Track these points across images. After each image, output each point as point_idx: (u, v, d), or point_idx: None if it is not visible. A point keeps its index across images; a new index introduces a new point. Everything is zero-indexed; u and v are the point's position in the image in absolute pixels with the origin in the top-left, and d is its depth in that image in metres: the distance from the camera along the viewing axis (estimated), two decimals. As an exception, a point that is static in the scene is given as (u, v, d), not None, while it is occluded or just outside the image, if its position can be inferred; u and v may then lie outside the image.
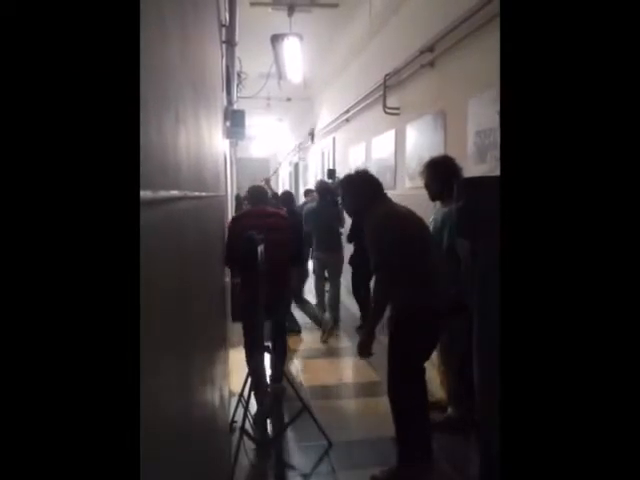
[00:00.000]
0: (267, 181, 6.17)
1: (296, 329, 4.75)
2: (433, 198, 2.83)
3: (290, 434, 2.71)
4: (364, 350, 2.30)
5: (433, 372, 2.85)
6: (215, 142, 2.50)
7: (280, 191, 5.75)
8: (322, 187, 5.11)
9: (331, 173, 5.71)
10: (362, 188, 2.40)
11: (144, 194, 0.56)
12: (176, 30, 0.95)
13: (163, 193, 0.69)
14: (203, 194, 1.47)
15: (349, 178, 2.53)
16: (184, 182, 0.98)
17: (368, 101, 5.61)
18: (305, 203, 5.85)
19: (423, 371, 2.36)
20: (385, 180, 5.12)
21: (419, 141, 4.23)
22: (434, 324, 2.28)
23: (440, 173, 2.72)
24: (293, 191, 9.96)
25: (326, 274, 5.15)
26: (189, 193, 1.06)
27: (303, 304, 4.85)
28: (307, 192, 6.60)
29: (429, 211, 2.88)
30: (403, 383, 2.30)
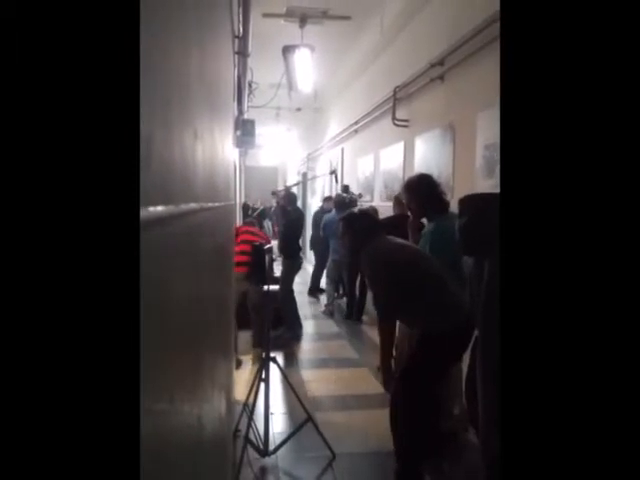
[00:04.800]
0: (287, 189, 6.27)
1: (298, 330, 4.94)
2: (418, 217, 2.87)
3: (294, 445, 2.70)
4: (388, 385, 2.45)
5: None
6: (226, 152, 2.53)
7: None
8: (339, 200, 5.77)
9: (345, 188, 6.28)
10: (359, 228, 2.54)
11: (167, 209, 0.57)
12: (196, 47, 0.98)
13: (183, 207, 0.71)
14: (216, 204, 1.49)
15: (347, 218, 2.68)
16: (201, 194, 0.99)
17: (377, 113, 5.65)
18: (322, 209, 6.68)
19: (438, 387, 2.40)
20: (393, 191, 5.17)
21: (428, 154, 4.25)
22: (459, 340, 2.30)
23: (417, 192, 2.77)
24: (300, 199, 10.09)
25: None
26: (204, 205, 1.08)
27: (288, 297, 5.00)
28: (327, 199, 6.93)
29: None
30: (415, 399, 2.32)
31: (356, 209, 4.98)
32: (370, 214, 2.74)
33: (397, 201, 4.48)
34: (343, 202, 5.59)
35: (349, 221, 2.61)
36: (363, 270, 2.48)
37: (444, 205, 2.72)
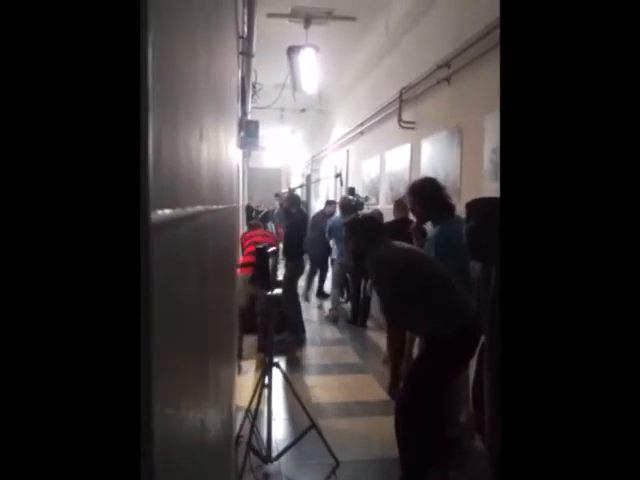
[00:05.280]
0: (291, 191, 6.26)
1: (301, 335, 4.89)
2: (422, 221, 2.84)
3: (297, 451, 2.67)
4: (394, 393, 2.46)
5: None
6: (230, 153, 2.51)
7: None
8: (344, 203, 5.74)
9: (351, 191, 6.25)
10: (362, 232, 2.52)
11: (174, 212, 0.55)
12: (203, 47, 0.95)
13: (190, 209, 0.69)
14: (221, 207, 1.46)
15: (351, 222, 2.67)
16: (206, 197, 0.97)
17: (383, 114, 5.63)
18: (324, 213, 6.58)
19: (444, 393, 2.37)
20: (399, 193, 5.14)
21: (434, 156, 4.21)
22: (465, 345, 2.27)
23: (422, 196, 2.74)
24: (304, 201, 10.07)
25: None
26: (209, 207, 1.06)
27: (292, 300, 4.94)
28: (330, 203, 6.86)
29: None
30: (420, 407, 2.29)
31: (360, 213, 4.97)
32: (374, 218, 2.72)
33: (398, 205, 4.45)
34: (349, 205, 5.56)
35: (353, 226, 2.60)
36: (369, 275, 2.46)
37: (449, 209, 2.69)
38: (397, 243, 2.50)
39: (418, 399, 2.28)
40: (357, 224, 2.61)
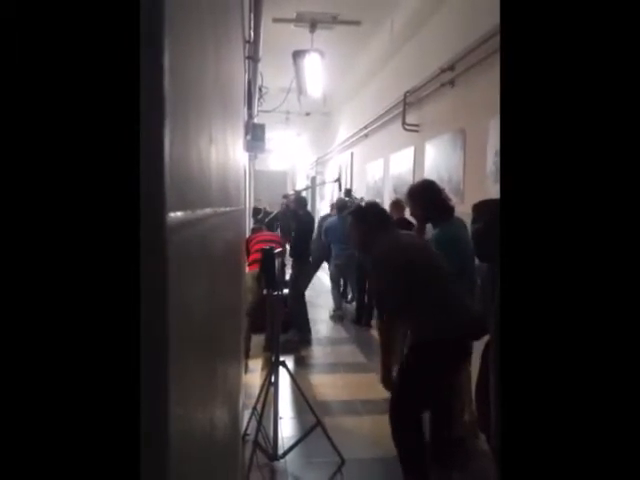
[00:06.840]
0: (298, 193, 6.30)
1: (307, 334, 4.92)
2: (422, 223, 2.86)
3: (303, 449, 2.70)
4: (387, 384, 2.41)
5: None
6: (237, 156, 2.54)
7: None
8: (340, 204, 5.82)
9: (348, 192, 6.31)
10: (369, 220, 2.43)
11: (184, 214, 0.58)
12: (212, 51, 0.98)
13: (199, 212, 0.71)
14: (228, 209, 1.49)
15: (357, 211, 2.60)
16: (215, 200, 1.00)
17: (387, 117, 5.65)
18: (328, 215, 6.65)
19: (437, 392, 2.36)
20: (402, 196, 5.17)
21: (438, 159, 4.24)
22: (453, 349, 2.24)
23: (422, 199, 2.75)
24: (309, 202, 10.10)
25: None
26: (218, 210, 1.08)
27: (298, 300, 4.94)
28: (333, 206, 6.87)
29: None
30: (410, 408, 2.28)
31: (363, 202, 4.99)
32: (379, 205, 2.71)
33: (394, 206, 4.48)
34: (345, 206, 5.58)
35: (359, 214, 2.51)
36: (373, 265, 2.39)
37: (449, 210, 2.71)
38: (403, 234, 2.46)
39: (406, 397, 2.27)
40: (363, 211, 2.54)
